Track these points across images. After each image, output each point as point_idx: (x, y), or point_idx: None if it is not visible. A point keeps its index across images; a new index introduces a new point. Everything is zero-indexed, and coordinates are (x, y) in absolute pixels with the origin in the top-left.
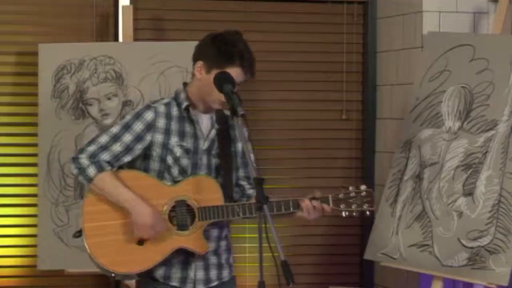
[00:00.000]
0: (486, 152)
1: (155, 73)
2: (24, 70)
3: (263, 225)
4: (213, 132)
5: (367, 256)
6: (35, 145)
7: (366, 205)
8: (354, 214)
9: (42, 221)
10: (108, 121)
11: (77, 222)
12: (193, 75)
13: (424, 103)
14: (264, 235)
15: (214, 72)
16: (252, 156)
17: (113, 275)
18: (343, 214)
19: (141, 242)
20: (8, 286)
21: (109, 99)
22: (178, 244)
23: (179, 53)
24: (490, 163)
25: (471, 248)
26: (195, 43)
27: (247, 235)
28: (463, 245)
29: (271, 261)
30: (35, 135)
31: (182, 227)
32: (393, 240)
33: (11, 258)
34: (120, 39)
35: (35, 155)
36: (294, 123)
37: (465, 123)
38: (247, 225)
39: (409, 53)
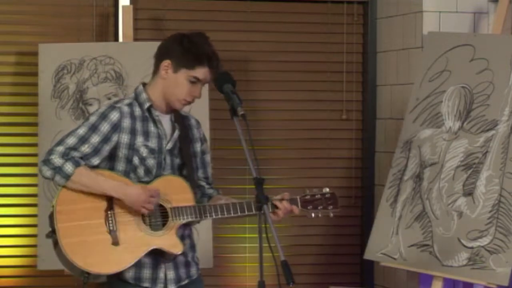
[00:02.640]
0: (486, 152)
1: None
2: (24, 70)
3: (263, 225)
4: (177, 132)
5: (367, 256)
6: (35, 145)
7: (331, 206)
8: (319, 215)
9: (42, 221)
10: None
11: None
12: (154, 74)
13: (424, 103)
14: (264, 235)
15: (182, 71)
16: (209, 156)
17: (86, 275)
18: (312, 215)
19: (116, 243)
20: (8, 286)
21: (109, 99)
22: (152, 244)
23: None
24: (490, 163)
25: (471, 248)
26: None
27: (247, 235)
28: (463, 245)
29: (271, 261)
30: (35, 135)
31: (155, 227)
32: (393, 240)
33: (11, 258)
34: (120, 39)
35: (35, 155)
36: (294, 123)
37: (465, 123)
38: (247, 225)
39: (409, 53)
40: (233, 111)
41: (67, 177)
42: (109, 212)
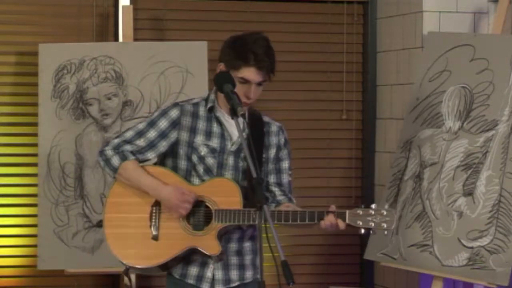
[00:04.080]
0: (486, 152)
1: (155, 73)
2: (24, 70)
3: (263, 225)
4: (244, 135)
5: (367, 256)
6: (35, 145)
7: (385, 224)
8: (371, 232)
9: (42, 221)
10: (108, 121)
11: (77, 222)
12: None
13: (424, 103)
14: (264, 235)
15: (232, 74)
16: (287, 163)
17: (128, 267)
18: (362, 231)
19: (155, 237)
20: (8, 286)
21: (109, 99)
22: (190, 243)
23: (179, 53)
24: (490, 163)
25: (471, 248)
26: (195, 43)
27: None
28: (463, 245)
29: (271, 261)
30: (35, 135)
31: (197, 227)
32: (393, 240)
33: (11, 258)
34: (120, 39)
35: (35, 155)
36: (294, 123)
37: (465, 123)
38: None
39: (409, 53)
40: (233, 111)
41: (114, 170)
42: (154, 207)
